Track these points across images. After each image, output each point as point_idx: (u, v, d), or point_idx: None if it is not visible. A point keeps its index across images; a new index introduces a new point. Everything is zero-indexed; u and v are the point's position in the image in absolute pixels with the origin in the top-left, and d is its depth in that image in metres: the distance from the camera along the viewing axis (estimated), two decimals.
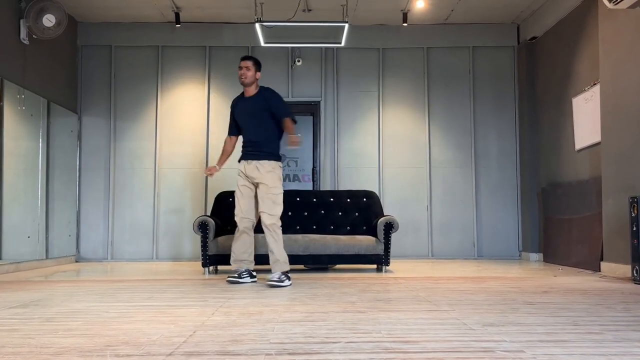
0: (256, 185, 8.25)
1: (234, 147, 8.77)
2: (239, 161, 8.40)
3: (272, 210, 8.10)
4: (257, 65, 8.39)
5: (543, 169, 13.25)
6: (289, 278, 8.03)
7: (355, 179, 13.94)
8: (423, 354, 3.82)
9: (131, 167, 13.86)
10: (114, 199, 13.77)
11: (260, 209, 8.14)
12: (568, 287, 7.72)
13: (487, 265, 12.05)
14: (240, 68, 8.28)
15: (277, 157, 8.31)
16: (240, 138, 8.67)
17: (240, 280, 8.24)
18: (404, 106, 14.18)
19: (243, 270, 8.33)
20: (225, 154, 8.80)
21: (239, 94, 8.61)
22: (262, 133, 8.33)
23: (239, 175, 8.38)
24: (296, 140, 8.04)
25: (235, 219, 8.32)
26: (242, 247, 8.36)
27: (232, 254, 8.42)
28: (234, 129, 8.70)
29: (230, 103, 8.81)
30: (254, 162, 8.23)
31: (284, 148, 8.62)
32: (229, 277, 8.39)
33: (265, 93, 8.44)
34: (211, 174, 8.61)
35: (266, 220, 8.04)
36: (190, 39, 14.04)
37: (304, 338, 4.33)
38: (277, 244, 8.08)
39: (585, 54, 11.32)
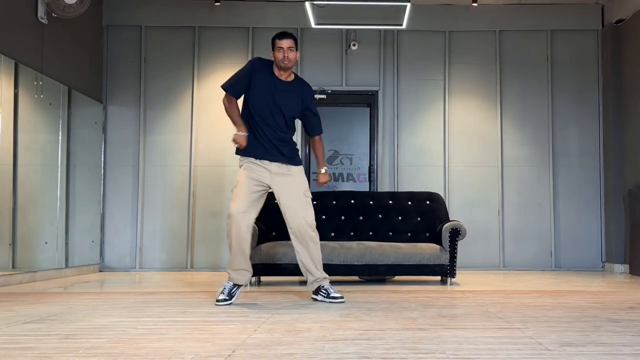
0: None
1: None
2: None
3: None
4: (297, 45, 7.65)
5: (630, 169, 12.72)
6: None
7: (417, 179, 13.53)
8: None
9: (163, 164, 13.52)
10: (143, 200, 13.41)
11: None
12: None
13: (566, 277, 11.68)
14: (281, 49, 7.45)
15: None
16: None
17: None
18: (472, 97, 13.80)
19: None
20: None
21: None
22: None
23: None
24: (328, 179, 7.90)
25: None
26: None
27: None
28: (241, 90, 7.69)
29: None
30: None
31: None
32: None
33: (306, 87, 7.86)
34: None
35: None
36: (231, 19, 13.67)
37: (358, 359, 4.23)
38: None
39: None
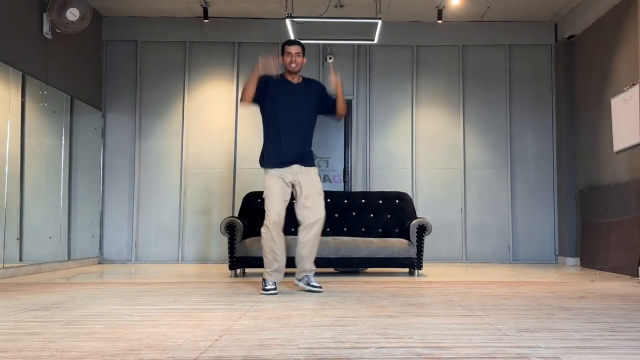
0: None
1: None
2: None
3: None
4: (304, 51, 7.74)
5: (581, 171, 12.95)
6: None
7: (387, 180, 13.66)
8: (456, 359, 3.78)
9: (157, 167, 13.63)
10: (138, 199, 13.53)
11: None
12: (605, 293, 7.58)
13: (523, 269, 11.82)
14: (289, 54, 7.60)
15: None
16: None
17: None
18: (438, 105, 13.94)
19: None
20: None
21: None
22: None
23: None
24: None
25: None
26: None
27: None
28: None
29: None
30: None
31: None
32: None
33: (315, 82, 8.06)
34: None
35: None
36: (219, 35, 13.77)
37: (333, 343, 4.27)
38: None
39: (624, 53, 11.09)
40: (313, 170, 7.72)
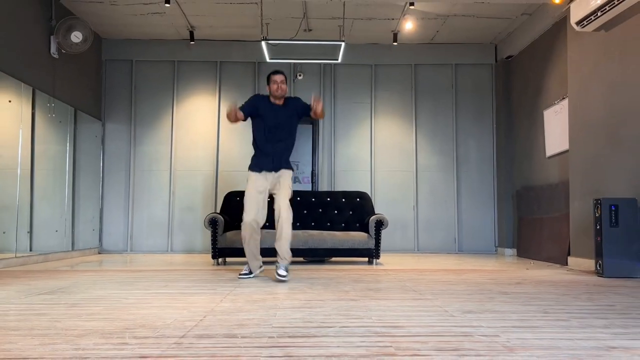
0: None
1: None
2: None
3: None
4: (287, 79, 7.86)
5: (517, 174, 13.22)
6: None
7: (349, 181, 13.82)
8: (409, 337, 3.82)
9: (149, 169, 13.76)
10: (133, 198, 13.67)
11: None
12: (539, 279, 7.66)
13: (467, 259, 11.95)
14: (275, 82, 7.68)
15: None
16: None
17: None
18: (393, 116, 14.08)
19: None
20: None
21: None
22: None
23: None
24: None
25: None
26: None
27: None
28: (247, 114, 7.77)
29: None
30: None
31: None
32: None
33: (294, 100, 7.97)
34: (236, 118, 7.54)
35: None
36: (203, 55, 13.93)
37: (302, 323, 4.32)
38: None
39: (555, 71, 11.34)
40: (286, 172, 7.75)
